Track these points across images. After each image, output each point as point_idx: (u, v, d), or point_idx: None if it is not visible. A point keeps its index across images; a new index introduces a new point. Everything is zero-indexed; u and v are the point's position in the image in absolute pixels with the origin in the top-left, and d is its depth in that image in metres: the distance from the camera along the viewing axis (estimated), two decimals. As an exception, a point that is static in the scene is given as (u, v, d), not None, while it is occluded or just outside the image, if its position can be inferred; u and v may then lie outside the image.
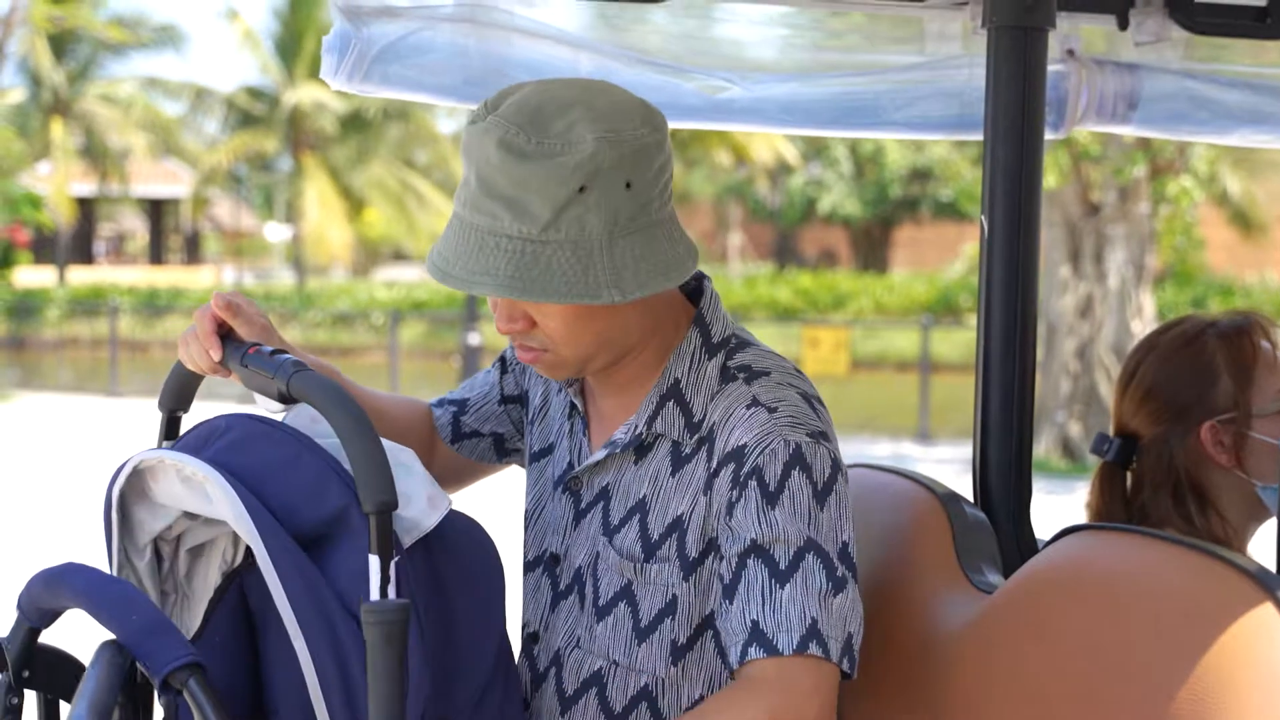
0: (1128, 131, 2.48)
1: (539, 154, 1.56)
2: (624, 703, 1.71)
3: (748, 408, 1.65)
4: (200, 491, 1.63)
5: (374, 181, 31.58)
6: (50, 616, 1.65)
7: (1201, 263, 23.29)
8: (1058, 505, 8.84)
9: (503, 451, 1.98)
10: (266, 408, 1.69)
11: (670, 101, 2.34)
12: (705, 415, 1.68)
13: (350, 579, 1.57)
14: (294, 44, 32.29)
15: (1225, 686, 1.43)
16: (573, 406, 1.81)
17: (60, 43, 32.47)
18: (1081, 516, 2.12)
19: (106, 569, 1.69)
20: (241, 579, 1.70)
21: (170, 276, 35.63)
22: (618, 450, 1.73)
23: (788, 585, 1.58)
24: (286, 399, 1.65)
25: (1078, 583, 1.61)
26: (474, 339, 17.00)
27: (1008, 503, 1.91)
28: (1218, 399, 2.00)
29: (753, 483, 1.61)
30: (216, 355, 1.69)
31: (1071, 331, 12.86)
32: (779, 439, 1.62)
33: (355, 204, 32.29)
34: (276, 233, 43.41)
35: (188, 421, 1.80)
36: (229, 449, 1.66)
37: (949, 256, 32.53)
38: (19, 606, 1.65)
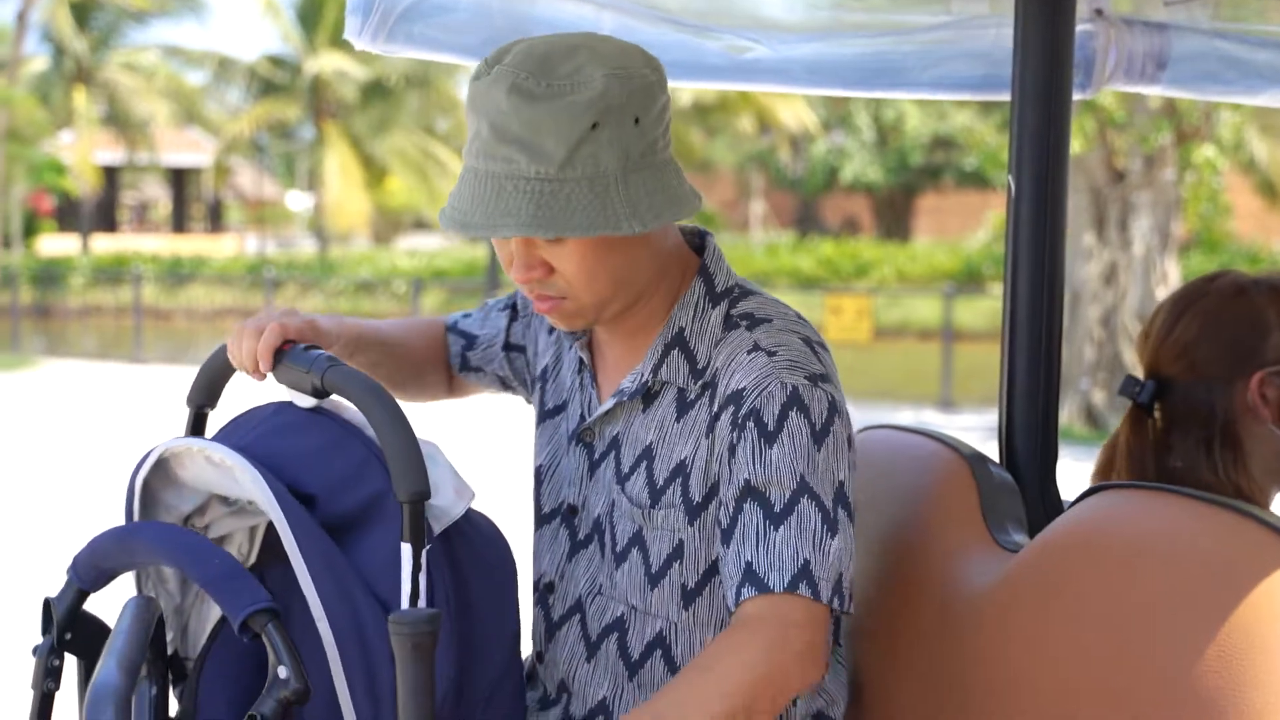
0: (1156, 92, 2.46)
1: (550, 95, 1.59)
2: (641, 649, 1.75)
3: (749, 353, 1.69)
4: (229, 475, 1.65)
5: (395, 149, 31.57)
6: (105, 579, 1.66)
7: (1228, 230, 23.14)
8: (1082, 472, 8.80)
9: (506, 387, 2.03)
10: (300, 404, 1.70)
11: (694, 61, 2.34)
12: (709, 362, 1.72)
13: (379, 564, 1.59)
14: (315, 12, 32.24)
15: (1254, 645, 1.43)
16: (581, 362, 1.84)
17: (82, 11, 32.50)
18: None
19: None
20: (262, 575, 1.71)
21: (193, 245, 35.74)
22: (625, 399, 1.76)
23: (781, 527, 1.61)
24: (320, 393, 1.67)
25: (1104, 541, 1.61)
26: (496, 307, 16.99)
27: (1034, 463, 1.90)
28: (1268, 351, 1.99)
29: (750, 424, 1.65)
30: (266, 368, 1.71)
31: (1096, 299, 12.79)
32: (776, 381, 1.65)
33: (377, 172, 32.30)
34: (298, 201, 43.46)
35: (214, 418, 1.81)
36: (269, 434, 1.68)
37: (972, 224, 32.40)
38: (74, 568, 1.66)
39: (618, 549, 1.76)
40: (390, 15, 2.16)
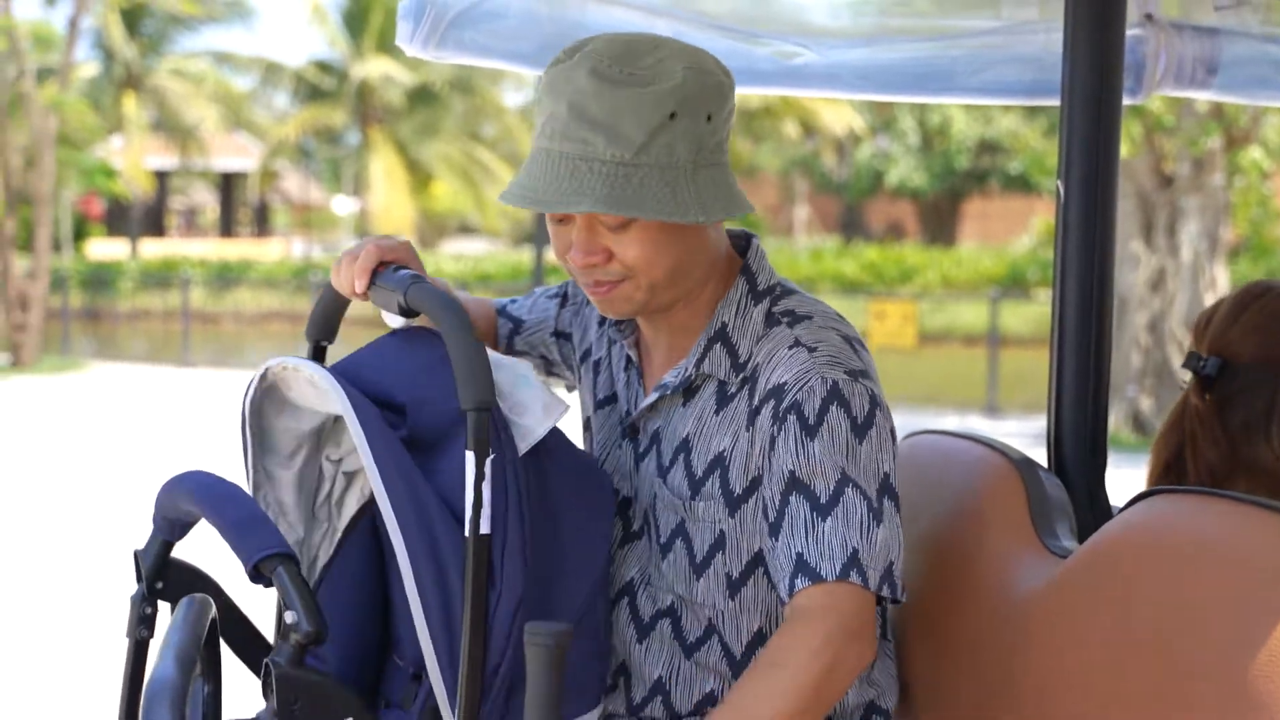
0: (1206, 97, 2.45)
1: (632, 81, 1.64)
2: (698, 633, 1.78)
3: (790, 348, 1.72)
4: (322, 393, 1.69)
5: (440, 155, 31.73)
6: (180, 528, 1.70)
7: (1277, 235, 22.91)
8: (1129, 479, 8.75)
9: (549, 370, 2.06)
10: (391, 324, 1.76)
11: (744, 67, 2.34)
12: (750, 357, 1.75)
13: (457, 479, 1.61)
14: (361, 17, 32.46)
15: (1304, 651, 1.42)
16: (628, 359, 1.88)
17: (132, 17, 32.83)
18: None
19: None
20: (375, 514, 1.74)
21: (240, 249, 36.00)
22: (668, 392, 1.79)
23: (829, 518, 1.65)
24: (407, 311, 1.71)
25: (1155, 546, 1.60)
26: (540, 311, 17.02)
27: (1082, 469, 1.90)
28: None
29: (791, 417, 1.68)
30: (361, 288, 1.76)
31: (1143, 305, 12.69)
32: (816, 376, 1.69)
33: (422, 177, 32.47)
34: (344, 205, 43.69)
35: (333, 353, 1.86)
36: (366, 355, 1.74)
37: (1017, 229, 32.22)
38: (154, 519, 1.71)
39: (662, 540, 1.80)
40: (441, 22, 2.18)
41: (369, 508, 1.78)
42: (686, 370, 1.78)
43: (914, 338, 16.46)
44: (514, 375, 1.67)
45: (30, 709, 5.23)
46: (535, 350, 2.04)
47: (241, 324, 25.71)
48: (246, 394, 1.75)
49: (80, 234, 34.49)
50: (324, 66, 33.13)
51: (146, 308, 26.52)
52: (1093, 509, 1.88)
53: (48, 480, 10.51)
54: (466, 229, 44.33)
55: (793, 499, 1.66)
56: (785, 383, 1.70)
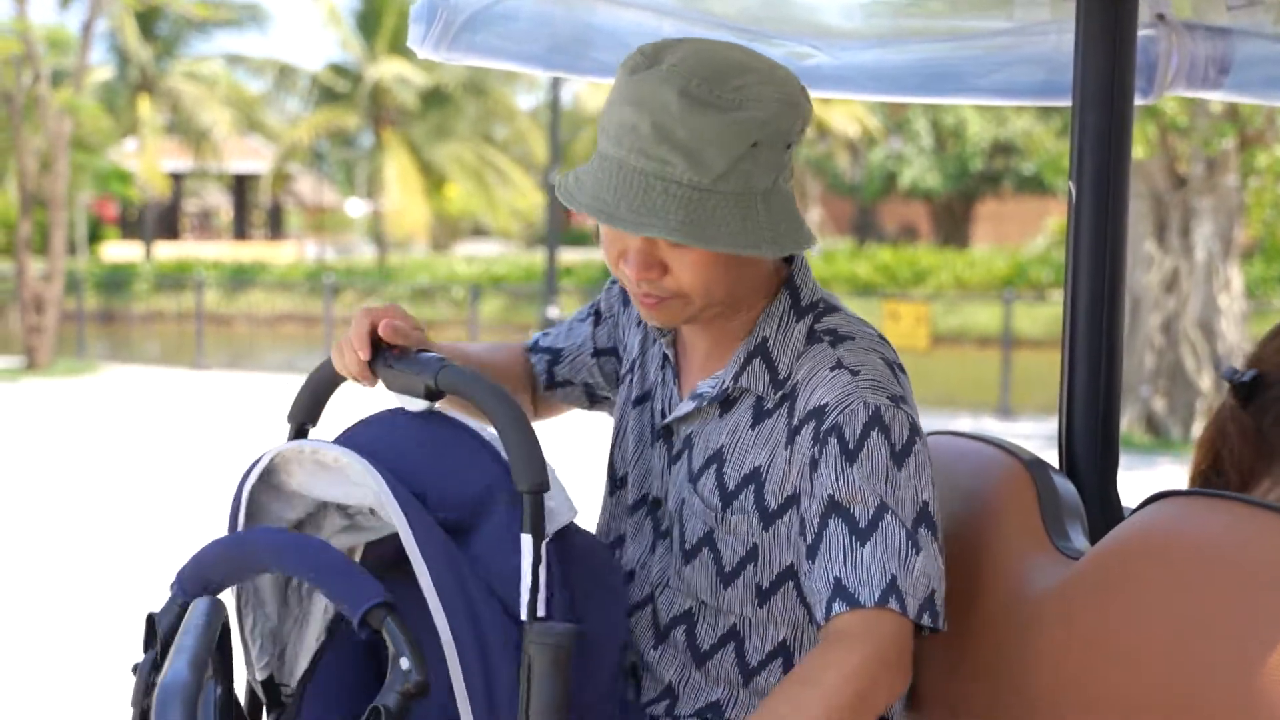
0: (1218, 97, 2.44)
1: (721, 106, 1.61)
2: (712, 641, 1.77)
3: (831, 369, 1.70)
4: (341, 476, 1.65)
5: (453, 157, 31.75)
6: (211, 592, 1.65)
7: (1291, 237, 22.82)
8: (1141, 481, 8.74)
9: (593, 399, 2.03)
10: (411, 408, 1.71)
11: (755, 68, 2.34)
12: (790, 374, 1.73)
13: (494, 562, 1.59)
14: (375, 19, 32.50)
15: (1317, 653, 1.42)
16: (665, 358, 1.87)
17: (146, 21, 32.93)
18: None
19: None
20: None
21: (254, 251, 36.07)
22: (704, 403, 1.78)
23: (868, 543, 1.63)
24: (434, 395, 1.67)
25: (1167, 548, 1.60)
26: (553, 312, 17.05)
27: (1094, 470, 1.90)
28: None
29: (832, 439, 1.66)
30: (365, 355, 1.72)
31: (1157, 306, 12.66)
32: (859, 400, 1.67)
33: (435, 179, 32.49)
34: (357, 208, 43.78)
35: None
36: (382, 435, 1.68)
37: (1031, 231, 32.14)
38: (178, 582, 1.65)
39: (687, 546, 1.78)
40: (453, 24, 2.19)
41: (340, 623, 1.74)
42: (724, 383, 1.76)
43: (927, 339, 16.43)
44: None
45: (40, 711, 5.24)
46: (578, 377, 2.01)
47: (255, 326, 25.75)
48: (246, 480, 1.70)
49: (95, 237, 34.58)
50: (338, 69, 33.18)
51: (161, 310, 26.58)
52: (1104, 510, 1.88)
53: (61, 482, 10.54)
54: (479, 231, 44.35)
55: (831, 522, 1.65)
56: (826, 404, 1.68)
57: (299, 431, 1.79)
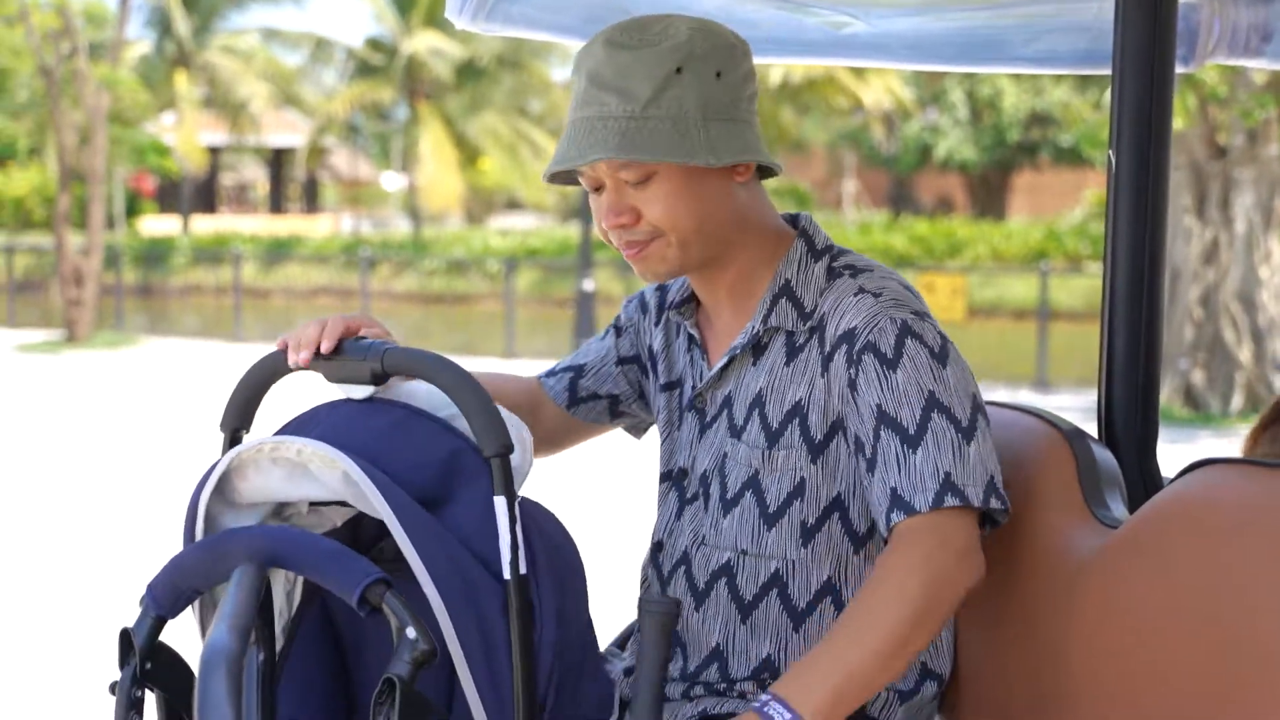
0: (1260, 65, 2.42)
1: (641, 44, 1.74)
2: (754, 590, 1.80)
3: (855, 295, 1.77)
4: (302, 471, 1.64)
5: (488, 130, 31.72)
6: (184, 602, 1.64)
7: (1333, 208, 22.55)
8: (1181, 454, 8.68)
9: (616, 413, 2.06)
10: (355, 395, 1.71)
11: (793, 37, 2.34)
12: (815, 307, 1.80)
13: (473, 528, 1.61)
14: (410, -7, 32.45)
15: (1357, 621, 1.41)
16: (690, 338, 1.90)
17: (184, -5, 33.03)
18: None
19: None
20: (332, 608, 1.73)
21: (290, 225, 36.20)
22: (737, 353, 1.83)
23: (919, 448, 1.69)
24: (381, 378, 1.68)
25: (1206, 516, 1.60)
26: (588, 285, 17.05)
27: (1133, 439, 1.89)
28: None
29: (868, 356, 1.72)
30: (328, 347, 1.72)
31: (1196, 278, 12.55)
32: (886, 317, 1.74)
33: (470, 152, 32.47)
34: (393, 181, 43.84)
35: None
36: (338, 422, 1.67)
37: (1069, 203, 31.91)
38: (150, 594, 1.63)
39: (728, 496, 1.82)
40: (490, -6, 2.19)
41: (305, 611, 1.75)
42: (754, 328, 1.81)
43: (963, 311, 16.36)
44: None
45: (83, 684, 5.31)
46: (603, 389, 2.04)
47: (291, 299, 25.87)
48: (201, 491, 1.68)
49: (132, 210, 34.77)
50: (373, 43, 33.18)
51: (198, 283, 26.74)
52: (1144, 480, 1.88)
53: (103, 452, 10.64)
54: (514, 204, 44.36)
55: (884, 434, 1.70)
56: (855, 327, 1.74)
57: (233, 438, 1.77)
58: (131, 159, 26.38)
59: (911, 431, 1.69)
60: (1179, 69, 2.15)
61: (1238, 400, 12.49)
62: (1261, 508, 1.55)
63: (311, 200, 44.57)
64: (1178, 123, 11.74)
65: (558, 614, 1.64)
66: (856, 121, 31.50)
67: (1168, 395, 12.61)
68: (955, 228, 25.95)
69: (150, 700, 1.65)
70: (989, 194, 34.14)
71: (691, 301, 1.91)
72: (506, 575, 1.60)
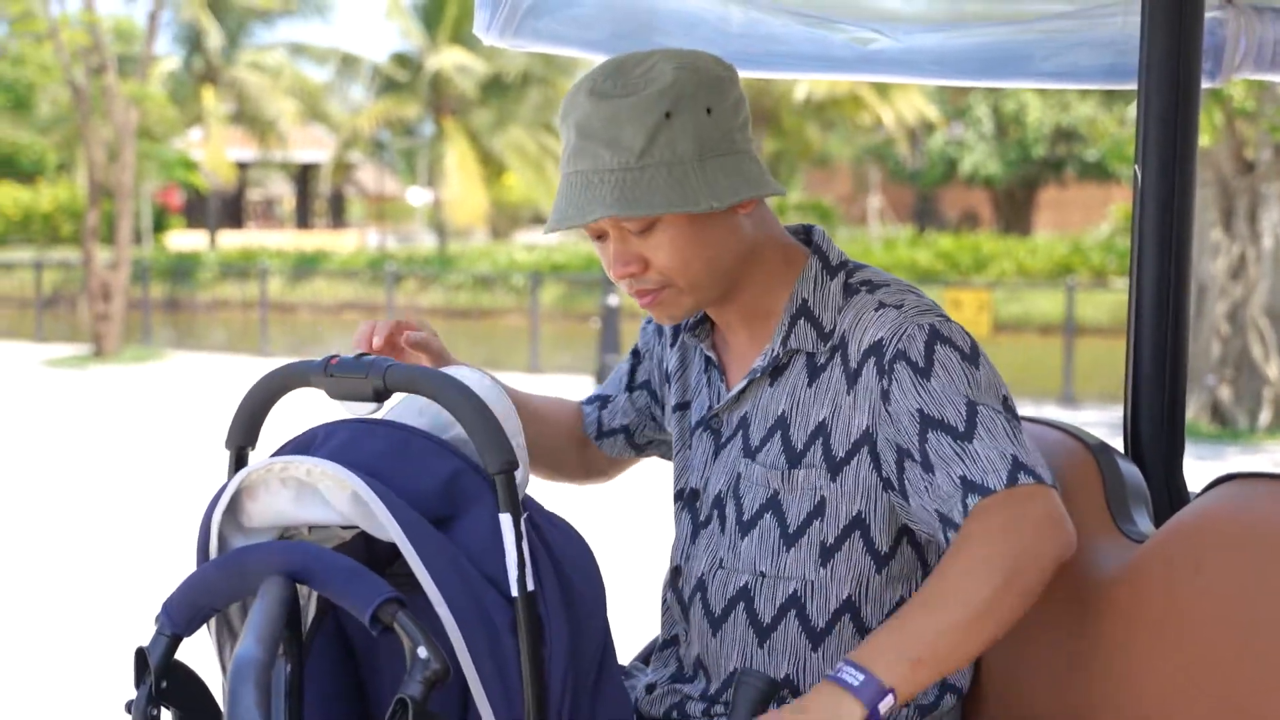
0: (1288, 80, 2.42)
1: (625, 91, 1.70)
2: (773, 612, 1.79)
3: (876, 310, 1.76)
4: (310, 491, 1.63)
5: (513, 145, 31.81)
6: (199, 620, 1.63)
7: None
8: (1208, 470, 8.63)
9: (633, 445, 2.06)
10: (357, 413, 1.69)
11: (820, 54, 2.35)
12: (835, 326, 1.78)
13: (480, 547, 1.60)
14: (436, 9, 32.60)
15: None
16: (708, 360, 1.90)
17: (211, 11, 33.23)
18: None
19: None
20: (344, 622, 1.73)
21: (316, 240, 36.35)
22: (757, 375, 1.81)
23: (974, 439, 1.66)
24: (383, 395, 1.66)
25: (1233, 530, 1.60)
26: (613, 300, 17.06)
27: (1159, 455, 1.89)
28: None
29: (900, 365, 1.71)
30: (379, 344, 1.83)
31: (1223, 293, 12.50)
32: (913, 324, 1.72)
33: (495, 168, 32.57)
34: (418, 196, 43.98)
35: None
36: (343, 448, 1.66)
37: (1094, 218, 31.82)
38: (165, 612, 1.62)
39: (745, 518, 1.81)
40: (518, 10, 2.20)
41: (318, 625, 1.75)
42: (774, 351, 1.80)
43: (989, 326, 16.32)
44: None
45: (103, 701, 5.33)
46: (617, 421, 2.05)
47: (318, 314, 25.96)
48: (213, 511, 1.67)
49: (160, 226, 34.96)
50: (400, 59, 33.32)
51: (225, 298, 26.86)
52: (1169, 495, 1.88)
53: (131, 466, 10.69)
54: (539, 219, 44.44)
55: (930, 436, 1.68)
56: (882, 338, 1.73)
57: (239, 456, 1.75)
58: (159, 174, 26.56)
59: (961, 428, 1.66)
60: (1205, 84, 2.15)
61: (1265, 416, 12.42)
62: (1288, 522, 1.55)
63: (338, 215, 44.74)
64: (1204, 139, 11.70)
65: (569, 628, 1.63)
66: (881, 137, 31.47)
67: (1195, 411, 12.56)
68: (981, 243, 25.88)
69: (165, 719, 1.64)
70: (1014, 209, 34.06)
71: (706, 323, 1.90)
72: (514, 593, 1.58)
